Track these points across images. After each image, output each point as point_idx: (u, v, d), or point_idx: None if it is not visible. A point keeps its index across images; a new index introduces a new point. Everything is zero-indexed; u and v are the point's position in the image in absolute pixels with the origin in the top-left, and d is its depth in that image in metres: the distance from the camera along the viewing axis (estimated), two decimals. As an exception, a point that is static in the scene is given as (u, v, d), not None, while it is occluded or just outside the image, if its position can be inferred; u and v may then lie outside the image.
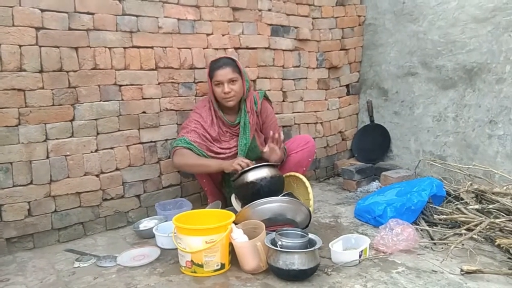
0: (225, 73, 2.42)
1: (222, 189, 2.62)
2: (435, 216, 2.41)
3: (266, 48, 3.10)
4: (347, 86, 3.75)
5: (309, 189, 2.34)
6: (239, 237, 1.90)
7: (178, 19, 2.64)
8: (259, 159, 2.49)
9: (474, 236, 2.11)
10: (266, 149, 2.40)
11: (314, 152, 2.67)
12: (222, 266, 1.91)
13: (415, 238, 2.10)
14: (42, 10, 2.16)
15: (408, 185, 2.55)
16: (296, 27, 3.28)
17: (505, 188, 2.49)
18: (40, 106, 2.19)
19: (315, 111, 3.48)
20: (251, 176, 2.22)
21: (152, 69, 2.56)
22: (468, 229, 2.19)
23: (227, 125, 2.54)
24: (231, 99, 2.46)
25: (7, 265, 2.04)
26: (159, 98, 2.61)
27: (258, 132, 2.65)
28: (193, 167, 2.40)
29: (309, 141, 2.62)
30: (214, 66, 2.46)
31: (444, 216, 2.36)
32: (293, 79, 3.32)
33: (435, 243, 2.17)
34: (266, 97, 2.69)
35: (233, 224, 1.94)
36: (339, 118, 3.68)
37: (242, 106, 2.55)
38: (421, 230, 2.32)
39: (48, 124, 2.22)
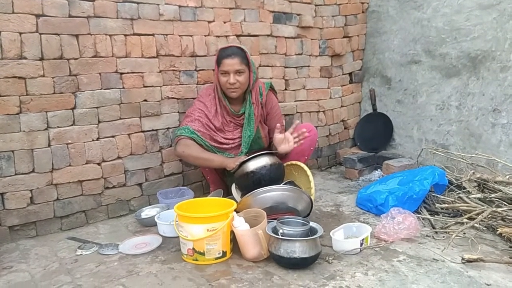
0: (232, 63, 2.37)
1: (224, 178, 2.62)
2: (437, 205, 2.41)
3: (268, 35, 3.08)
4: (350, 74, 3.72)
5: (311, 177, 2.34)
6: (240, 225, 1.91)
7: (179, 6, 2.61)
8: (262, 151, 2.48)
9: (475, 225, 2.11)
10: (281, 135, 2.32)
11: (316, 141, 2.66)
12: (224, 254, 1.91)
13: (417, 226, 2.10)
14: (42, -3, 2.14)
15: (410, 174, 2.55)
16: (298, 14, 3.24)
17: (507, 177, 2.48)
18: (41, 94, 2.18)
19: (317, 100, 3.46)
20: (251, 166, 2.22)
21: (153, 57, 2.54)
22: (470, 218, 2.19)
23: (231, 115, 2.52)
24: (235, 91, 2.43)
25: (10, 253, 2.05)
26: (160, 86, 2.60)
27: (262, 124, 2.62)
28: (196, 159, 2.38)
29: (311, 130, 2.60)
30: (223, 54, 2.39)
31: (446, 205, 2.36)
32: (296, 67, 3.30)
33: (436, 232, 2.17)
34: (271, 88, 2.66)
35: (234, 212, 1.95)
36: (342, 106, 3.66)
37: (248, 97, 2.52)
38: (423, 219, 2.32)
39: (49, 112, 2.21)
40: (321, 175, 3.35)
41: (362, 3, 3.66)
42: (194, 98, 2.73)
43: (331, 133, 3.60)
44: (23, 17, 2.10)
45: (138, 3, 2.44)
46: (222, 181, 2.62)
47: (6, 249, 2.09)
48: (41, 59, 2.17)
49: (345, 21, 3.55)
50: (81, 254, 2.02)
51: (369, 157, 3.33)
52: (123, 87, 2.45)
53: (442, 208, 2.38)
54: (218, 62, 2.42)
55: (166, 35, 2.58)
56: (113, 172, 2.45)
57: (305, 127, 2.65)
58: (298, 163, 2.46)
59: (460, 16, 3.05)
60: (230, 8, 2.85)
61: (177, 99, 2.68)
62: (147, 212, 2.44)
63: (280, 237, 1.81)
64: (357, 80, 3.79)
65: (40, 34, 2.15)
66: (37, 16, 2.14)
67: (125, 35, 2.42)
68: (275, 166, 2.27)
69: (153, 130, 2.60)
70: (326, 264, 1.85)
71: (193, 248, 1.88)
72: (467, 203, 2.34)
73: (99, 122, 2.38)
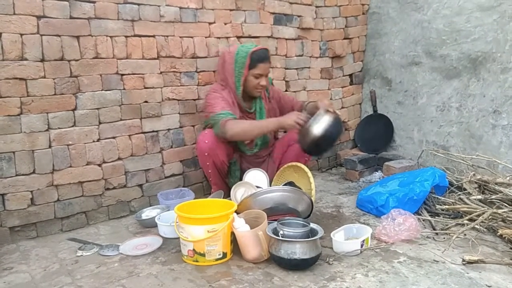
0: (267, 67, 2.52)
1: (226, 179, 2.62)
2: (438, 206, 2.41)
3: (268, 37, 3.08)
4: (350, 75, 3.72)
5: (311, 179, 2.34)
6: (241, 226, 1.91)
7: (180, 8, 2.62)
8: (268, 143, 2.67)
9: (476, 226, 2.11)
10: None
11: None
12: (224, 255, 1.91)
13: (417, 228, 2.10)
14: (43, -1, 2.15)
15: (410, 175, 2.55)
16: (299, 16, 3.25)
17: (508, 178, 2.48)
18: (42, 95, 2.18)
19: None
20: (316, 130, 2.20)
21: (154, 58, 2.55)
22: (471, 220, 2.18)
23: (244, 112, 2.58)
24: (261, 91, 2.57)
25: (10, 254, 2.05)
26: (161, 88, 2.60)
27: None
28: (252, 131, 2.40)
29: None
30: (258, 57, 2.46)
31: (447, 206, 2.36)
32: (296, 69, 3.30)
33: (437, 233, 2.17)
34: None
35: (235, 214, 1.95)
36: (342, 108, 3.66)
37: None
38: (423, 220, 2.32)
39: (50, 113, 2.22)
40: (321, 176, 3.34)
41: (363, 4, 3.66)
42: (194, 100, 2.74)
43: (331, 135, 3.59)
44: (24, 18, 2.10)
45: (139, 4, 2.45)
46: (224, 182, 2.62)
47: (6, 250, 2.09)
48: (42, 60, 2.17)
49: (345, 23, 3.55)
50: (81, 255, 2.02)
51: (369, 158, 3.33)
52: (124, 88, 2.45)
53: (442, 210, 2.38)
54: (252, 65, 2.45)
55: (167, 36, 2.58)
56: (113, 173, 2.45)
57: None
58: (299, 164, 2.46)
59: (460, 17, 3.05)
60: (231, 10, 2.86)
61: (178, 100, 2.68)
62: (148, 213, 2.44)
63: (280, 238, 1.81)
64: (358, 82, 3.79)
65: (41, 35, 2.16)
66: (38, 17, 2.14)
67: (126, 37, 2.43)
68: (336, 121, 2.25)
69: (153, 131, 2.60)
70: (327, 265, 1.85)
71: (194, 249, 1.88)
72: (468, 204, 2.34)
73: (99, 123, 2.39)
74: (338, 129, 2.29)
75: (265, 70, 2.50)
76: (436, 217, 2.35)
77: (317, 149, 2.35)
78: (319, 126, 2.20)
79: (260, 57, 2.47)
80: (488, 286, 1.67)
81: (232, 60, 2.48)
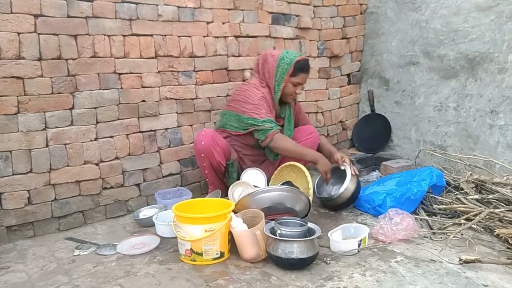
0: (306, 78, 2.60)
1: (224, 179, 2.62)
2: (435, 206, 2.42)
3: (266, 36, 3.08)
4: (348, 75, 3.73)
5: (309, 178, 2.35)
6: (238, 225, 1.91)
7: (178, 7, 2.61)
8: None
9: (473, 226, 2.12)
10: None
11: (317, 143, 2.67)
12: (222, 254, 1.91)
13: (414, 227, 2.10)
14: (41, -3, 2.14)
15: (408, 175, 2.55)
16: (297, 15, 3.25)
17: (505, 178, 2.48)
18: (39, 94, 2.18)
19: (315, 101, 3.47)
20: (346, 195, 2.44)
21: (152, 58, 2.54)
22: (468, 219, 2.19)
23: (277, 116, 2.62)
24: (293, 99, 2.67)
25: (7, 253, 2.04)
26: (159, 87, 2.59)
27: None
28: (292, 154, 2.47)
29: (312, 132, 2.65)
30: (301, 67, 2.53)
31: (444, 206, 2.37)
32: (294, 68, 3.30)
33: (434, 233, 2.17)
34: None
35: (232, 213, 1.95)
36: (340, 107, 3.67)
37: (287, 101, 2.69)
38: (421, 220, 2.32)
39: (47, 112, 2.21)
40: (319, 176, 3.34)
41: (361, 4, 3.67)
42: (192, 99, 2.74)
43: (329, 134, 3.60)
44: (22, 17, 2.09)
45: (136, 3, 2.44)
46: (222, 182, 2.61)
47: (3, 249, 2.09)
48: (39, 59, 2.16)
49: (343, 23, 3.56)
50: (78, 255, 2.01)
51: (367, 158, 3.34)
52: (122, 88, 2.45)
53: (439, 209, 2.38)
54: (294, 73, 2.52)
55: (165, 35, 2.58)
56: (111, 173, 2.45)
57: (306, 129, 2.69)
58: (297, 164, 2.46)
59: (458, 17, 3.06)
60: (229, 9, 2.85)
61: (176, 99, 2.67)
62: (145, 212, 2.43)
63: (278, 237, 1.81)
64: (355, 81, 3.80)
65: (39, 34, 2.15)
66: (36, 16, 2.13)
67: (124, 36, 2.42)
68: (358, 184, 2.50)
69: (151, 130, 2.59)
70: (324, 264, 1.86)
71: (191, 249, 1.88)
72: (465, 204, 2.35)
73: (97, 122, 2.38)
74: (359, 190, 2.52)
75: (304, 80, 2.58)
76: (433, 216, 2.35)
77: (337, 208, 2.53)
78: (348, 190, 2.42)
79: (303, 67, 2.53)
80: (485, 286, 1.67)
81: (275, 63, 2.52)
